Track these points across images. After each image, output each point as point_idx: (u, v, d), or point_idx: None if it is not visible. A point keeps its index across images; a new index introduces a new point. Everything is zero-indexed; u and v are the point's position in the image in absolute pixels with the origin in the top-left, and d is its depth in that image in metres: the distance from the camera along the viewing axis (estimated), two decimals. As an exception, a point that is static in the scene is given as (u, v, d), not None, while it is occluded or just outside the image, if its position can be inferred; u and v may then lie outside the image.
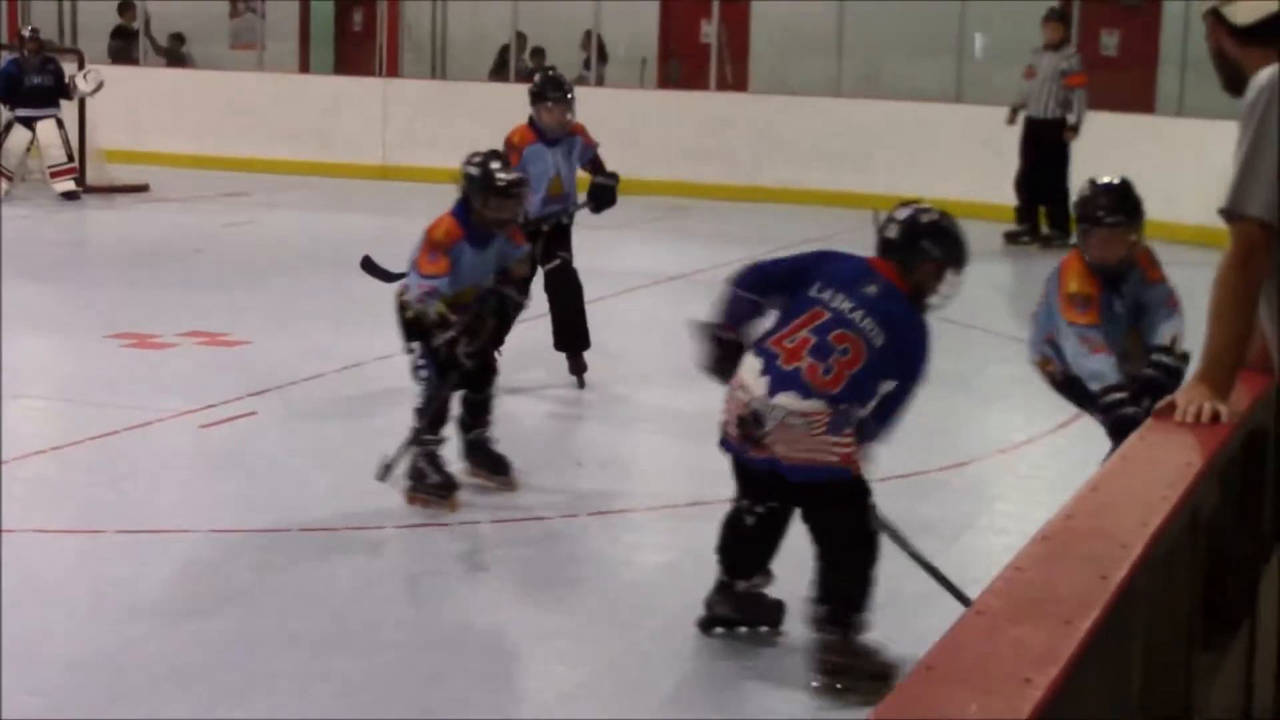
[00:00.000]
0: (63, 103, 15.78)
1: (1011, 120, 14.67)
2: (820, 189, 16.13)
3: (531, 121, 8.51)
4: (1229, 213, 3.50)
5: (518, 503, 6.60)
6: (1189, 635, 3.01)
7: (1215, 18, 3.68)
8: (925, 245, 5.01)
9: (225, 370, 8.63)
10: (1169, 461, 3.07)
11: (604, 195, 8.59)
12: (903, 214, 5.09)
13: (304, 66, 20.49)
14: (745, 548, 5.19)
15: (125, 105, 17.49)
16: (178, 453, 7.35)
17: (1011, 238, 14.57)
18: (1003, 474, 7.41)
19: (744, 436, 4.86)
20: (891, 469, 7.10)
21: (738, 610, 5.25)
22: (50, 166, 15.67)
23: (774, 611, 5.26)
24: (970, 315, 11.02)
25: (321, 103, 18.50)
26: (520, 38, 19.34)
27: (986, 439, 7.98)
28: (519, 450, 7.07)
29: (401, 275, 6.65)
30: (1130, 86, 16.88)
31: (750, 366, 4.88)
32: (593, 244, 13.29)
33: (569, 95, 8.48)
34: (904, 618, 5.21)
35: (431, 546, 6.18)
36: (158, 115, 18.46)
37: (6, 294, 11.05)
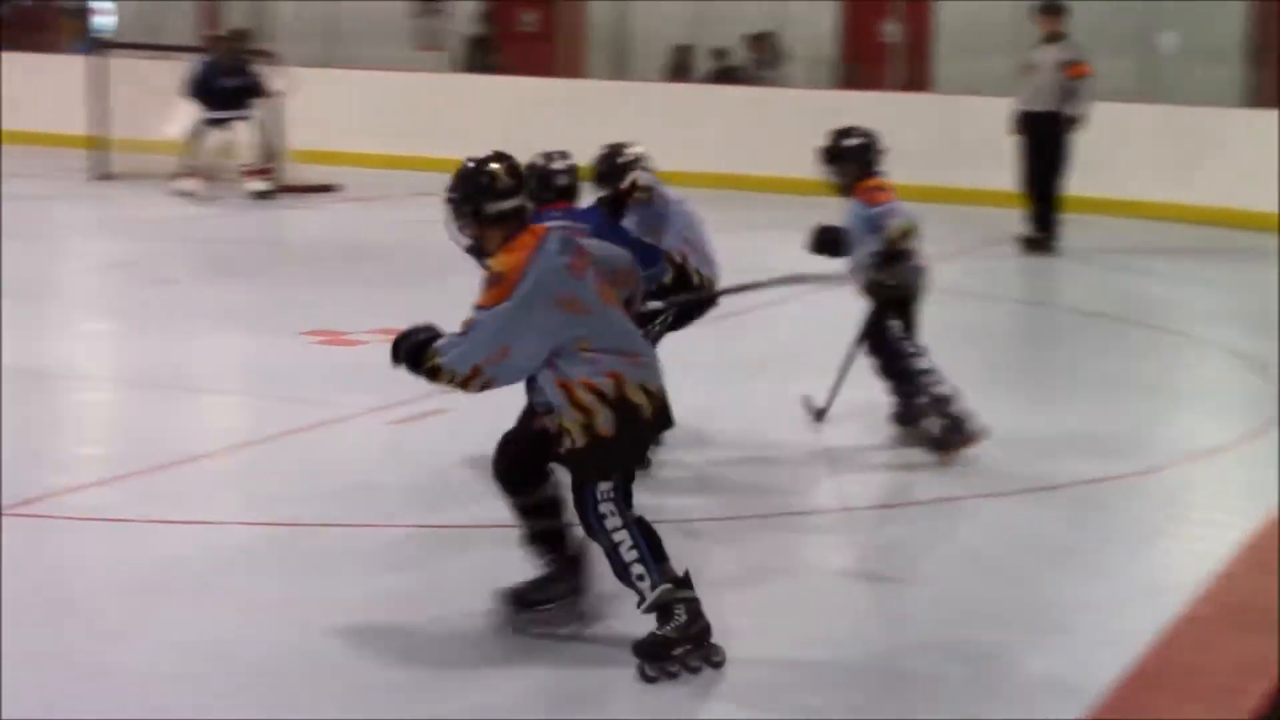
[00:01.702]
0: (258, 103, 16.08)
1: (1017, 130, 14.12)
2: (1002, 190, 15.94)
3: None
4: None
5: (736, 500, 6.62)
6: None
7: None
8: None
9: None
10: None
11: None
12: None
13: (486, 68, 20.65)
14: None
15: (317, 106, 17.78)
16: (368, 449, 7.47)
17: (1031, 245, 13.86)
18: (1195, 480, 7.27)
19: None
20: (1081, 474, 7.08)
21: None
22: (242, 166, 16.01)
23: None
24: (1159, 318, 10.92)
25: (504, 103, 18.65)
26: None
27: (1177, 444, 7.84)
28: (718, 449, 7.08)
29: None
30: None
31: None
32: (763, 245, 13.33)
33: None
34: (1103, 620, 5.16)
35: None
36: (348, 116, 18.73)
37: (201, 293, 11.33)
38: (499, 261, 4.97)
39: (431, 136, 18.52)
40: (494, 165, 5.06)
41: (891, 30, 18.51)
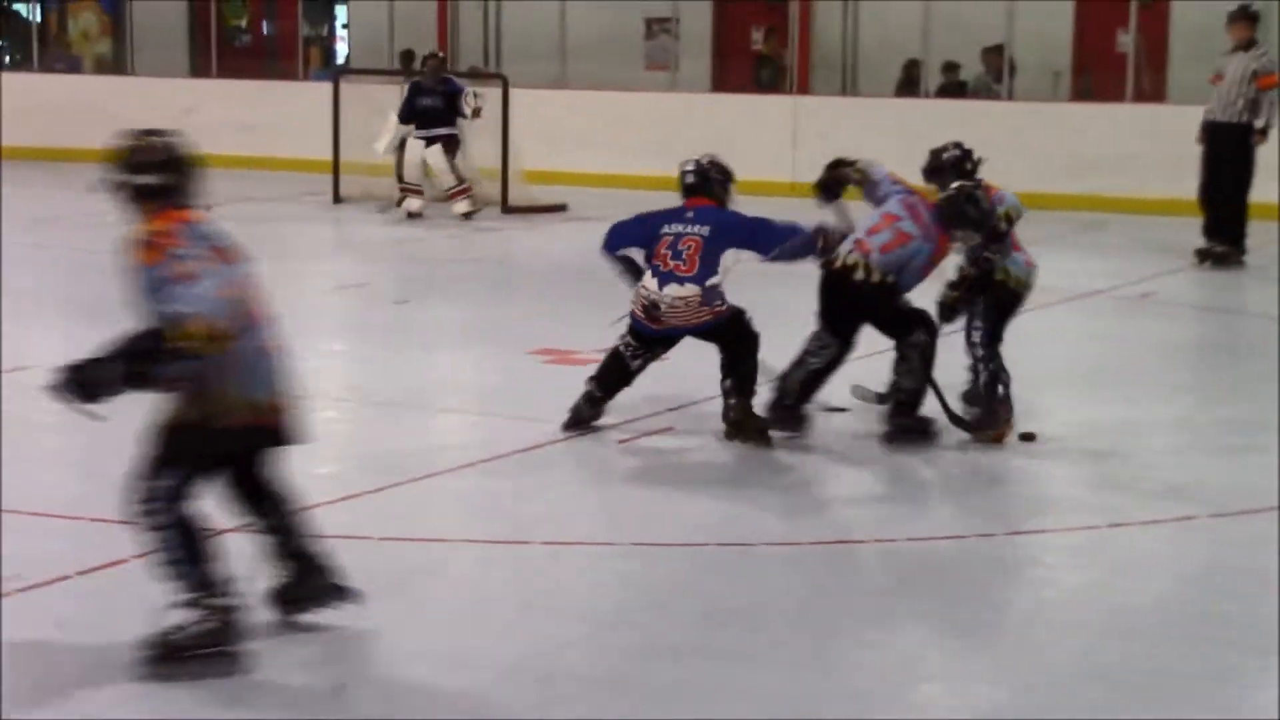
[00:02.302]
0: (458, 123, 16.30)
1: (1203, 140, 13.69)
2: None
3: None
4: None
5: (939, 525, 6.58)
6: None
7: None
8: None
9: (643, 386, 8.78)
10: None
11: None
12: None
13: (716, 86, 20.72)
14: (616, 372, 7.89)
15: (545, 126, 18.02)
16: (598, 466, 7.54)
17: (1205, 255, 13.50)
18: None
19: (648, 317, 7.77)
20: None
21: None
22: (446, 189, 16.27)
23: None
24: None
25: (732, 121, 18.72)
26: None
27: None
28: (926, 472, 7.04)
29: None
30: None
31: (645, 278, 7.76)
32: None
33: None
34: None
35: (846, 563, 6.21)
36: (576, 135, 18.93)
37: (431, 312, 11.52)
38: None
39: (657, 155, 18.68)
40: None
41: (1125, 40, 18.19)
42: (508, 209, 16.58)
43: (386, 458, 7.50)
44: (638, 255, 7.93)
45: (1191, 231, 14.21)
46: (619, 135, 19.02)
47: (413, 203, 16.31)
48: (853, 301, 7.77)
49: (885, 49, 19.87)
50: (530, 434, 7.81)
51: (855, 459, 7.82)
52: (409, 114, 16.26)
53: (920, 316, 7.78)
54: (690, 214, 7.87)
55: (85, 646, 5.15)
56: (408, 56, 20.26)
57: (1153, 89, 18.34)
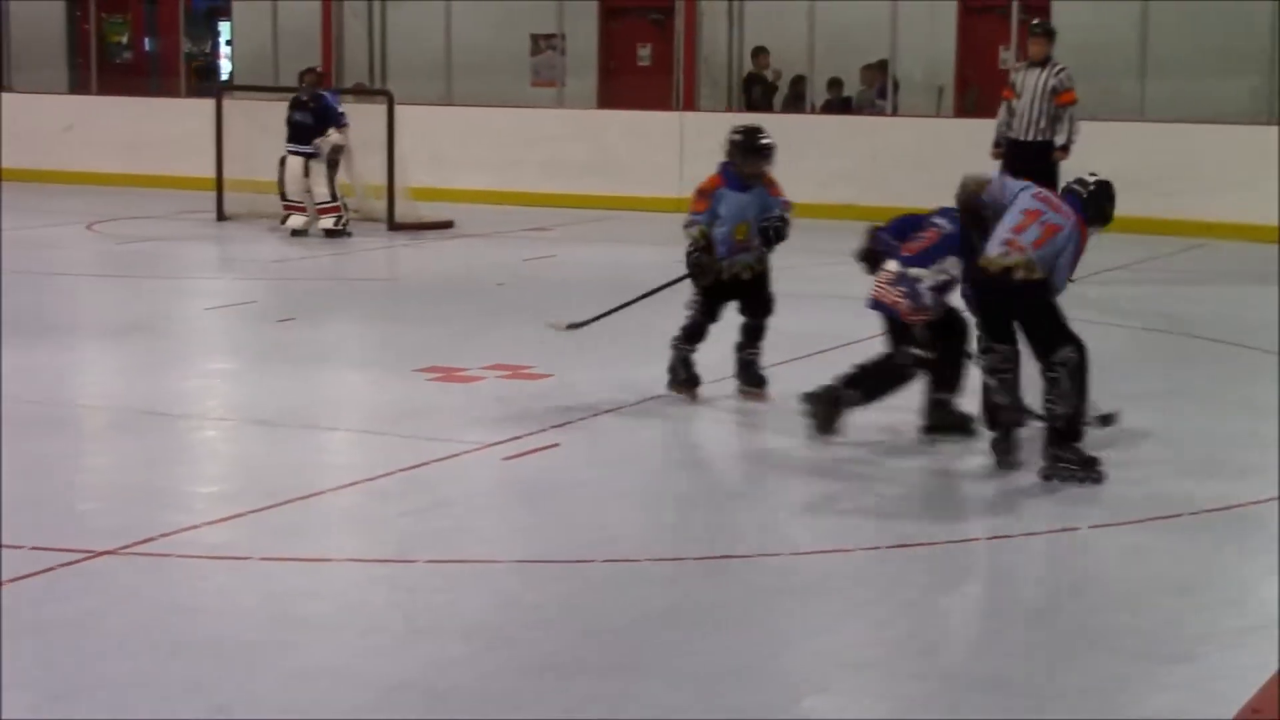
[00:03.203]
0: (327, 140, 16.18)
1: (996, 153, 13.69)
2: (1123, 215, 15.74)
3: (726, 167, 8.80)
4: None
5: (824, 537, 6.58)
6: None
7: None
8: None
9: (528, 403, 8.76)
10: None
11: (773, 235, 8.77)
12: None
13: (602, 102, 20.74)
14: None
15: (431, 143, 17.95)
16: (484, 484, 7.49)
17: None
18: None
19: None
20: (1204, 500, 6.97)
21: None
22: (316, 204, 16.19)
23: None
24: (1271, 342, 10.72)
25: (619, 137, 18.73)
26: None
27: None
28: (821, 480, 7.06)
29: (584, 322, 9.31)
30: None
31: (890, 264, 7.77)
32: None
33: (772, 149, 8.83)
34: (1227, 651, 5.06)
35: (735, 577, 6.19)
36: (462, 153, 18.88)
37: (317, 330, 11.42)
38: None
39: (545, 172, 18.66)
40: None
41: (1007, 57, 18.37)
42: (394, 226, 16.49)
43: (269, 477, 7.41)
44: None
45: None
46: (506, 152, 18.99)
47: (296, 220, 16.20)
48: (1013, 305, 7.38)
49: (772, 65, 19.96)
50: (416, 452, 7.73)
51: (739, 475, 7.82)
52: (287, 130, 16.22)
53: (1068, 332, 7.37)
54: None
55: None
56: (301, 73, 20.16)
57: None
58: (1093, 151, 16.70)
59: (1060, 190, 7.98)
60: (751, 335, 8.89)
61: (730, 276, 8.76)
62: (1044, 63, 13.65)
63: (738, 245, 8.71)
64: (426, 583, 6.02)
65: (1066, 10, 18.14)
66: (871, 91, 19.27)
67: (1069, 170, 13.18)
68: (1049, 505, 7.03)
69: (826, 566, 6.23)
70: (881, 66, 19.12)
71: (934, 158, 17.13)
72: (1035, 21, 14.21)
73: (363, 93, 18.50)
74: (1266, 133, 16.19)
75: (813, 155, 17.04)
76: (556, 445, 7.93)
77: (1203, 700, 4.83)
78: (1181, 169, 16.31)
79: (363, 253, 15.43)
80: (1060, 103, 13.56)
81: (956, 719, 4.84)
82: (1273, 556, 6.40)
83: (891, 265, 7.86)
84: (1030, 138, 13.58)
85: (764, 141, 8.76)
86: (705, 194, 8.73)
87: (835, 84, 19.48)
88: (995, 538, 6.65)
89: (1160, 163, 16.23)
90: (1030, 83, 13.62)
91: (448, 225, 16.82)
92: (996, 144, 13.74)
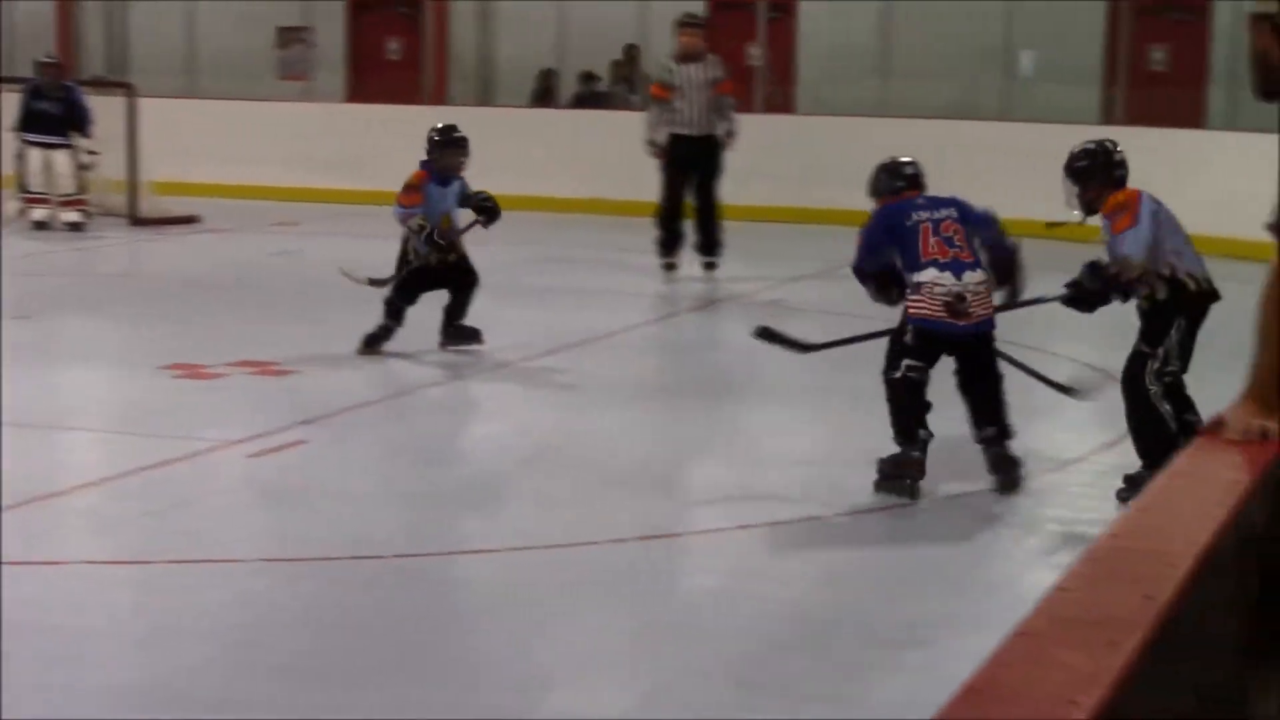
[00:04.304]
0: (77, 133, 15.84)
1: (657, 152, 13.49)
2: (869, 210, 16.05)
3: (427, 164, 9.85)
4: (1275, 227, 3.46)
5: (570, 530, 6.60)
6: (1242, 654, 2.98)
7: (1273, 26, 3.60)
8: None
9: (275, 399, 8.66)
10: (1217, 480, 3.04)
11: (490, 210, 9.81)
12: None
13: (351, 96, 20.55)
14: (919, 403, 6.89)
15: (176, 137, 17.62)
16: (228, 482, 7.38)
17: (670, 268, 13.45)
18: (1053, 491, 7.35)
19: (953, 314, 6.84)
20: (944, 489, 7.14)
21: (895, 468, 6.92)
22: (60, 196, 15.82)
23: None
24: (1016, 334, 11.00)
25: (369, 132, 18.59)
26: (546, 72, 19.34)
27: (1038, 457, 7.89)
28: (569, 473, 7.08)
29: (384, 280, 9.72)
30: (1179, 101, 16.82)
31: (928, 274, 6.87)
32: (645, 267, 13.36)
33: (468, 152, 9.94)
34: (963, 635, 5.19)
35: (481, 573, 6.19)
36: (208, 146, 18.57)
37: (54, 328, 11.15)
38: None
39: (293, 167, 18.42)
40: None
41: (755, 53, 18.62)
42: (137, 221, 16.15)
43: (5, 478, 7.20)
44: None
45: (822, 239, 14.63)
46: (253, 146, 18.70)
47: (37, 213, 15.77)
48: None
49: (521, 60, 19.99)
50: (159, 450, 7.58)
51: (488, 470, 7.82)
52: (27, 118, 15.77)
53: None
54: (923, 200, 7.25)
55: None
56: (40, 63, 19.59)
57: (781, 101, 18.79)
58: (834, 148, 17.14)
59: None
60: (464, 306, 9.75)
61: (439, 262, 9.61)
62: (699, 56, 13.51)
63: (443, 233, 9.62)
64: (168, 584, 5.91)
65: (810, 11, 18.47)
66: (621, 86, 19.39)
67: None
68: (793, 496, 7.12)
69: (575, 560, 6.25)
70: (630, 61, 19.24)
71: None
72: (685, 14, 13.92)
73: (102, 85, 18.03)
74: (1001, 129, 16.63)
75: (564, 149, 17.14)
76: (303, 442, 7.84)
77: (935, 685, 4.94)
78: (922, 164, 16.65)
79: (105, 248, 15.10)
80: (721, 92, 13.48)
81: (700, 716, 4.90)
82: (1003, 543, 6.60)
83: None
84: (699, 132, 13.40)
85: (458, 135, 9.83)
86: (414, 188, 9.67)
87: (589, 78, 19.55)
88: (742, 527, 6.73)
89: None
90: (690, 77, 13.40)
91: (193, 220, 16.51)
92: (652, 143, 13.48)
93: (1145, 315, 6.90)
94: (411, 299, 9.68)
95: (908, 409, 6.91)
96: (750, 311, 12.19)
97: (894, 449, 6.97)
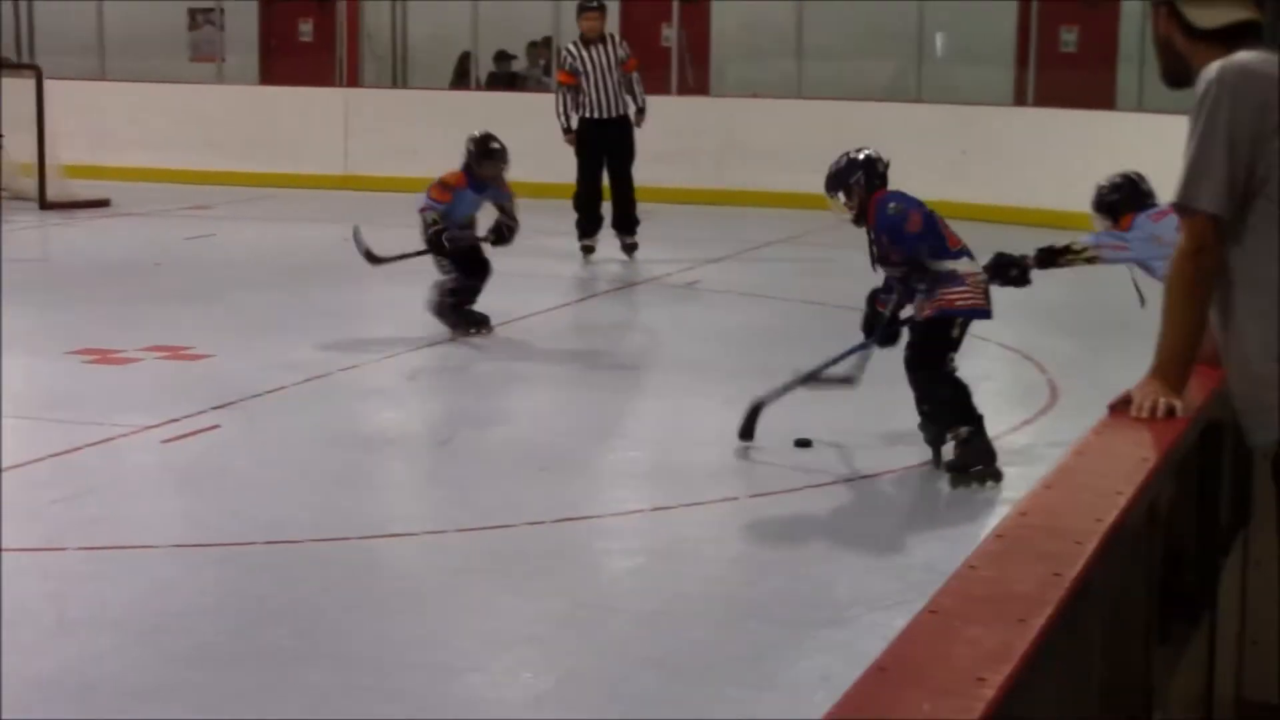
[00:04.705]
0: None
1: (571, 138, 13.55)
2: (785, 190, 16.10)
3: (468, 169, 9.96)
4: (1180, 207, 3.50)
5: (486, 514, 6.59)
6: (1148, 629, 3.02)
7: (1170, 10, 3.65)
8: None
9: (188, 384, 8.58)
10: (1124, 456, 3.07)
11: (505, 234, 10.06)
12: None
13: (264, 78, 20.40)
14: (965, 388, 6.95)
15: (86, 120, 17.44)
16: (140, 468, 7.31)
17: (588, 250, 13.58)
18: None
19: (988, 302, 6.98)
20: (862, 468, 7.17)
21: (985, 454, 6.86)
22: None
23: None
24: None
25: (282, 114, 18.46)
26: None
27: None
28: (486, 456, 7.05)
29: (382, 260, 9.99)
30: (1089, 83, 16.93)
31: (964, 264, 6.97)
32: (563, 250, 13.35)
33: (507, 161, 10.07)
34: (878, 613, 5.22)
35: (396, 557, 6.16)
36: (119, 129, 18.38)
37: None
38: None
39: (205, 150, 18.27)
40: None
41: (670, 35, 18.61)
42: (46, 205, 15.97)
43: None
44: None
45: (739, 221, 14.66)
46: (164, 129, 18.52)
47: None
48: None
49: (436, 42, 19.90)
50: (69, 437, 7.51)
51: (400, 455, 7.80)
52: None
53: None
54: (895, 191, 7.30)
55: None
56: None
57: (697, 82, 18.79)
58: (749, 129, 17.17)
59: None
60: (474, 293, 9.94)
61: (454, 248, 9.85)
62: (602, 38, 13.58)
63: (451, 238, 9.78)
64: (77, 571, 5.86)
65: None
66: (536, 69, 19.33)
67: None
68: (710, 477, 7.13)
69: (488, 543, 6.24)
70: (546, 43, 19.18)
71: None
72: None
73: (9, 67, 17.80)
74: (912, 110, 16.69)
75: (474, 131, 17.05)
76: (217, 427, 7.79)
77: (852, 663, 4.96)
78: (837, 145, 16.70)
79: (14, 232, 14.90)
80: (629, 70, 13.52)
81: (617, 697, 4.90)
82: (921, 519, 6.64)
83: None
84: (610, 114, 13.47)
85: (495, 147, 9.96)
86: (449, 187, 9.84)
87: (504, 58, 19.47)
88: (658, 509, 6.74)
89: (816, 139, 16.61)
90: (596, 60, 13.45)
91: (104, 204, 16.34)
92: (567, 130, 13.50)
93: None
94: (468, 273, 9.91)
95: (964, 393, 6.95)
96: (668, 293, 12.23)
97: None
